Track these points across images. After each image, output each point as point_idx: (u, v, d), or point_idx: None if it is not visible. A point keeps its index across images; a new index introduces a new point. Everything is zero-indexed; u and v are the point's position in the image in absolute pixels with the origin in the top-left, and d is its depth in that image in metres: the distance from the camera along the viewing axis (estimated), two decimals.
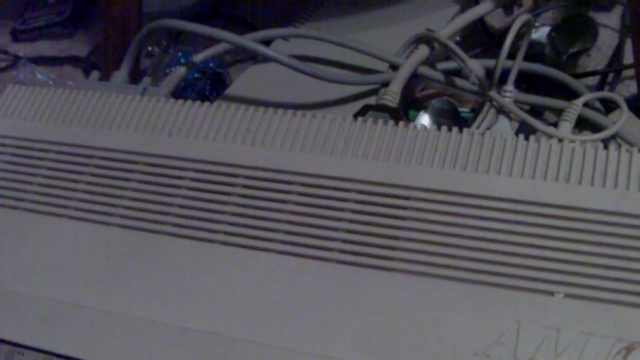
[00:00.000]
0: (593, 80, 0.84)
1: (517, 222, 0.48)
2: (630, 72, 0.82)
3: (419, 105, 0.79)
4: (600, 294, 0.45)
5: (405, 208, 0.50)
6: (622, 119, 0.62)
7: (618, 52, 0.86)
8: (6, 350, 0.49)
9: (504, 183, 0.50)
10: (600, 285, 0.45)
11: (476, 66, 0.66)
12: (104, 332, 0.50)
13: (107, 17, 0.87)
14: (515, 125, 0.69)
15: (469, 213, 0.49)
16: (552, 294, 0.45)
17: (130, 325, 0.50)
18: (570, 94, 0.71)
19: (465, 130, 0.53)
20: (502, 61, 0.65)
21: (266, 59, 0.78)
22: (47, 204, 0.58)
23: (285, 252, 0.51)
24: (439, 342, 0.45)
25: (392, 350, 0.45)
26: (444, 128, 0.53)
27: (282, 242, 0.51)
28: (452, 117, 0.73)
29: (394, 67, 0.72)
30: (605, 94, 0.72)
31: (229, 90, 0.80)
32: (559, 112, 0.66)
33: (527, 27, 0.67)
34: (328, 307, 0.48)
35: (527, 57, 0.71)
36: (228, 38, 0.72)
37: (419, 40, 0.71)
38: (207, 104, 0.60)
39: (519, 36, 0.69)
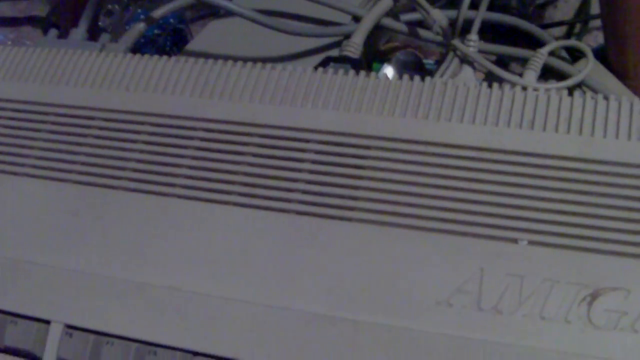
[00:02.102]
0: (560, 32, 0.83)
1: (480, 170, 0.47)
2: (597, 22, 0.82)
3: (384, 58, 0.78)
4: (565, 241, 0.44)
5: (366, 157, 0.49)
6: (587, 66, 0.62)
7: (585, 2, 0.85)
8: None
9: (467, 130, 0.49)
10: (564, 231, 0.45)
11: (439, 16, 0.65)
12: (61, 290, 0.49)
13: None
14: (481, 77, 0.68)
15: (431, 161, 0.48)
16: (515, 241, 0.45)
17: (87, 282, 0.49)
18: (537, 45, 0.70)
19: (427, 78, 0.52)
20: (465, 9, 0.65)
21: (228, 14, 0.76)
22: (3, 162, 0.56)
23: (244, 205, 0.49)
24: (400, 291, 0.44)
25: (353, 301, 0.45)
26: (406, 77, 0.52)
27: (241, 194, 0.50)
28: (417, 69, 0.73)
29: (357, 19, 0.71)
30: (570, 42, 0.71)
31: (190, 46, 0.78)
32: (525, 62, 0.65)
33: None
34: (288, 258, 0.47)
35: (494, 9, 0.70)
36: None
37: None
38: (165, 57, 0.58)
39: None
